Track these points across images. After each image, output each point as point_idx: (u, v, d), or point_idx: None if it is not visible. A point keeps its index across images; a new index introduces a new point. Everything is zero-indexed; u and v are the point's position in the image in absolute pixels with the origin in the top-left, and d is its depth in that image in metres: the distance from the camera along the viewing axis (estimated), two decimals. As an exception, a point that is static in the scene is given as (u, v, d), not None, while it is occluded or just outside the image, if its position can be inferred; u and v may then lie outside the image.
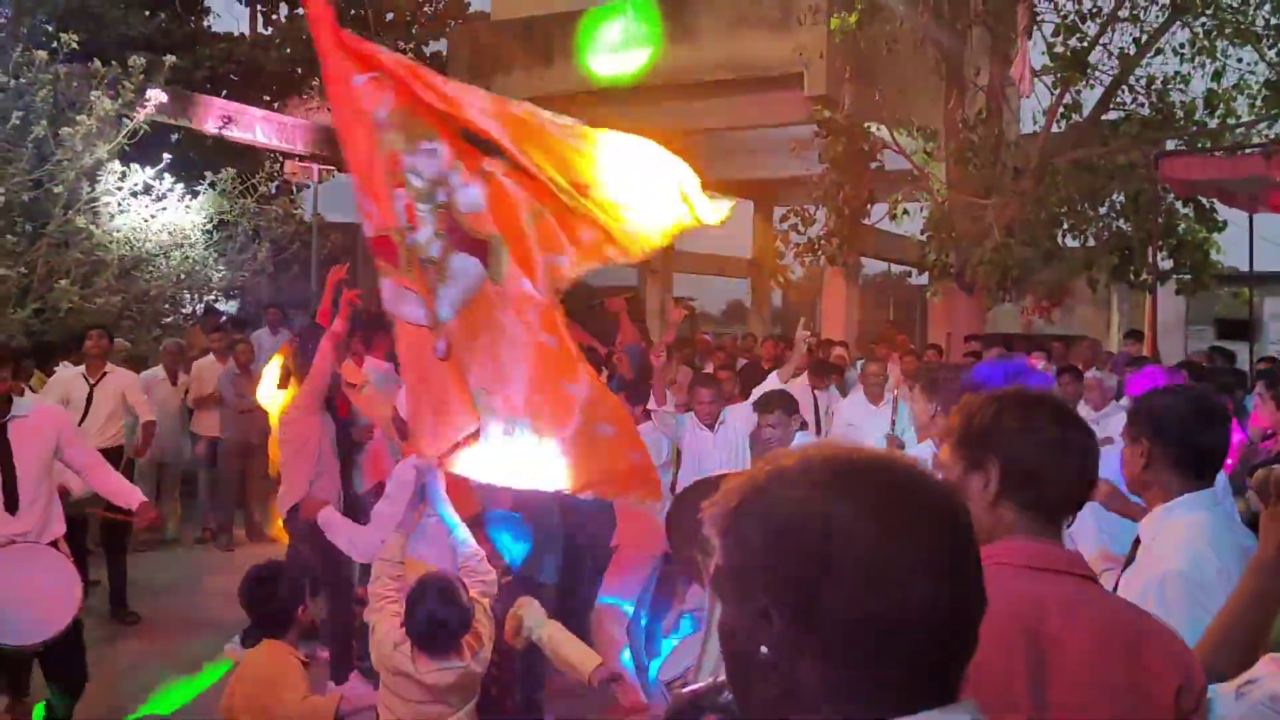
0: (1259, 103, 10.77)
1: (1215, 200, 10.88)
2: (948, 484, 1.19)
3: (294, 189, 13.31)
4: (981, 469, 1.66)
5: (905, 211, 11.89)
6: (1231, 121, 11.08)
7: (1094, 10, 10.98)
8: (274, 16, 17.64)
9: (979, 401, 1.72)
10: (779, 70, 11.67)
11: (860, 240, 12.12)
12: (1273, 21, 10.44)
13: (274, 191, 12.39)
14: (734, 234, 18.66)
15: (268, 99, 16.00)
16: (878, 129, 11.64)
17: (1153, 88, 11.05)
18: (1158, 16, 10.97)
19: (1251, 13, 10.55)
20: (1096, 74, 11.05)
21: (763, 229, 19.47)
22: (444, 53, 16.09)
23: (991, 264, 10.37)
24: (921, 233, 11.68)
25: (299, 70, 16.04)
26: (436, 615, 3.05)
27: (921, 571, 0.89)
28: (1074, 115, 11.42)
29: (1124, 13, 10.89)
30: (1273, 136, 9.90)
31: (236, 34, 17.03)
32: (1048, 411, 1.68)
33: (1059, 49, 10.61)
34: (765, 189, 18.80)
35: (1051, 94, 11.11)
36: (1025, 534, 1.61)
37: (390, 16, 17.66)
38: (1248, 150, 10.05)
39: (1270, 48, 10.62)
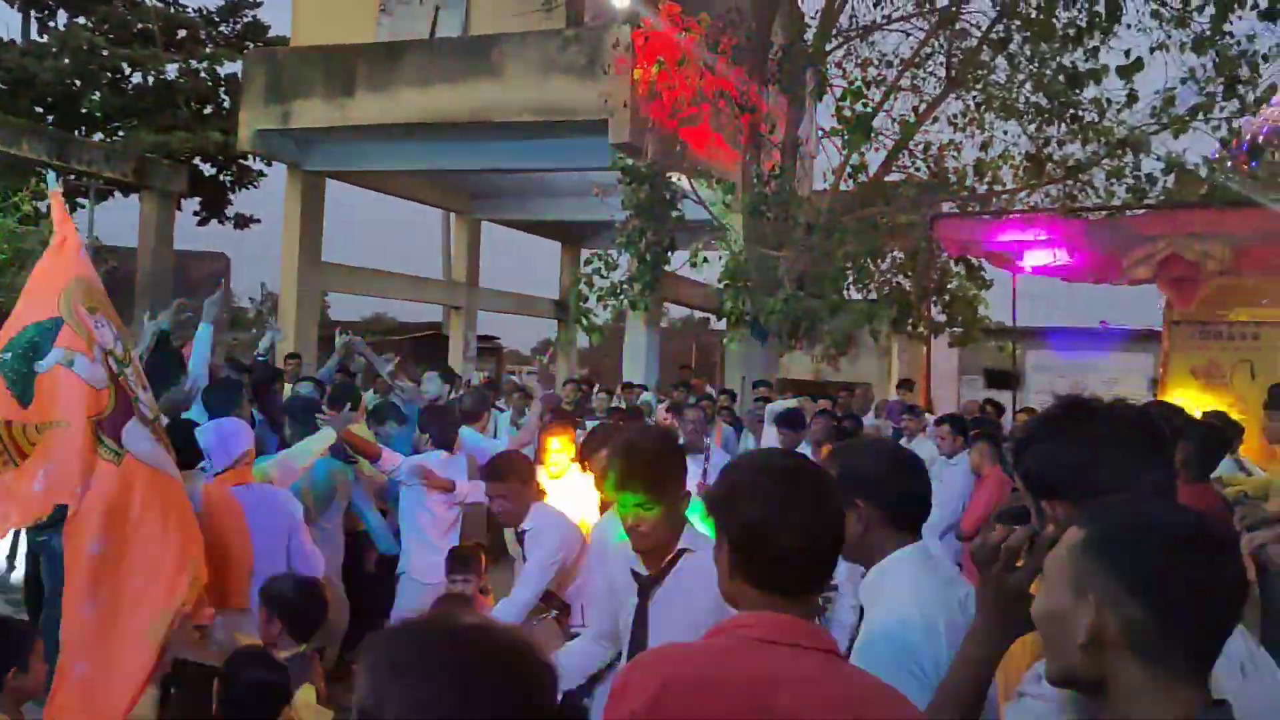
0: (1020, 173, 11.67)
1: (984, 260, 11.70)
2: (524, 640, 1.18)
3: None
4: (720, 538, 1.68)
5: (705, 260, 12.15)
6: (998, 188, 11.95)
7: (879, 79, 11.69)
8: (50, 24, 16.44)
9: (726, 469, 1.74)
10: (585, 116, 11.81)
11: (661, 286, 12.29)
12: (1033, 100, 11.36)
13: (44, 211, 11.47)
14: (542, 274, 18.68)
15: (40, 110, 14.87)
16: (679, 178, 11.92)
17: (929, 153, 11.74)
18: (935, 88, 11.83)
19: (1015, 90, 11.46)
20: (880, 138, 11.85)
21: (570, 270, 19.68)
22: (239, 74, 15.46)
23: (783, 313, 10.71)
24: (719, 281, 11.98)
25: (77, 83, 15.01)
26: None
27: None
28: (860, 175, 12.05)
29: (905, 82, 11.68)
30: (1031, 205, 10.67)
31: (5, 39, 15.75)
32: (777, 474, 1.66)
33: (846, 113, 11.14)
34: (573, 231, 19.06)
35: (840, 155, 11.77)
36: (766, 606, 1.60)
37: (182, 33, 16.81)
38: (1010, 215, 10.92)
39: (1030, 123, 11.52)
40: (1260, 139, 10.13)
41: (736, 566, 1.64)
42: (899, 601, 1.96)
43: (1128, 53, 9.46)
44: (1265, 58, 9.74)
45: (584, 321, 13.01)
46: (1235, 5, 8.82)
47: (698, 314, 19.37)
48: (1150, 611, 1.22)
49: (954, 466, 6.78)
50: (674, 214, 11.75)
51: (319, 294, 15.46)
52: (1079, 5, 10.05)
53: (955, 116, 12.04)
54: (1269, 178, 9.95)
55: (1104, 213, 10.58)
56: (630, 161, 11.67)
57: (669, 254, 12.10)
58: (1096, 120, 10.47)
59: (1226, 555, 1.27)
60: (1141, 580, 1.23)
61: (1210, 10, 9.09)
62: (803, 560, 1.62)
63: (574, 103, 11.90)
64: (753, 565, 1.62)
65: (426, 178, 15.44)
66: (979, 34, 11.48)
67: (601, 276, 12.07)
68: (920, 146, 12.14)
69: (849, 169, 11.89)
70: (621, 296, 12.22)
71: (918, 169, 12.03)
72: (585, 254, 14.72)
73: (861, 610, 2.10)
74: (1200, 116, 10.08)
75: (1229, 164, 10.14)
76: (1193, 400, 9.99)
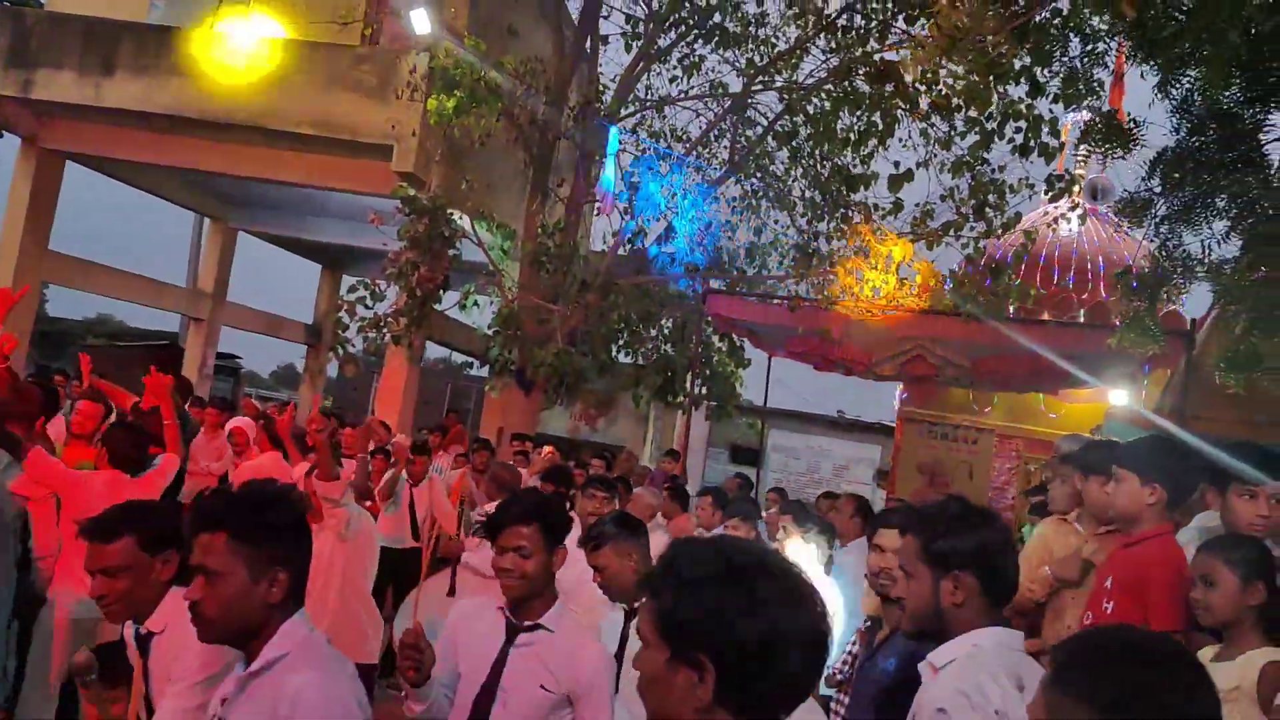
0: (788, 261, 12.20)
1: (746, 339, 12.10)
2: None
3: None
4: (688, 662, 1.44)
5: (476, 303, 11.99)
6: (766, 272, 12.43)
7: (668, 151, 11.95)
8: None
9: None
10: (369, 138, 11.35)
11: (428, 324, 11.86)
12: (807, 195, 11.96)
13: None
14: (297, 295, 17.68)
15: None
16: (460, 217, 11.66)
17: (709, 230, 12.09)
18: (717, 169, 12.22)
19: (791, 183, 12.03)
20: (664, 209, 11.87)
21: (328, 295, 18.73)
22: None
23: (552, 367, 10.61)
24: (489, 327, 11.78)
25: None
26: None
27: None
28: (639, 241, 12.22)
29: (691, 160, 12.00)
30: (796, 294, 11.16)
31: None
32: (772, 575, 1.45)
33: (635, 180, 11.37)
34: (337, 255, 18.17)
35: (622, 218, 11.85)
36: None
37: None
38: (776, 301, 11.36)
39: (802, 216, 12.10)
40: (998, 262, 11.00)
41: (724, 696, 1.40)
42: (1003, 692, 1.97)
43: (897, 164, 10.01)
44: (1012, 189, 10.54)
45: (340, 351, 12.30)
46: (995, 137, 9.54)
47: (456, 357, 18.86)
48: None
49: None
50: (451, 252, 11.44)
51: (39, 285, 13.87)
52: (860, 114, 10.54)
53: (733, 199, 12.44)
54: (1004, 297, 10.83)
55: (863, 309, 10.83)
56: (413, 192, 11.31)
57: (441, 292, 11.72)
58: (863, 222, 10.98)
59: None
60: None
61: (972, 138, 9.74)
62: (811, 677, 1.45)
63: (358, 122, 11.44)
64: (748, 693, 1.40)
65: (183, 176, 14.26)
66: (765, 123, 11.89)
67: (366, 306, 11.55)
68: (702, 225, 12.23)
69: (628, 235, 12.04)
70: (385, 330, 11.71)
71: (697, 243, 12.19)
72: (348, 280, 14.04)
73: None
74: (952, 233, 10.67)
75: (966, 280, 10.84)
76: (919, 495, 10.42)
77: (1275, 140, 4.27)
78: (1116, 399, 9.42)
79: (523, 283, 11.50)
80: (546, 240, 11.50)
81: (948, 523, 2.25)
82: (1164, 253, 4.61)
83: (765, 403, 11.78)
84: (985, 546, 2.22)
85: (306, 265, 19.22)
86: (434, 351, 19.97)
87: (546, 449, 8.99)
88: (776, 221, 12.50)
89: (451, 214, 11.61)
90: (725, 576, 1.42)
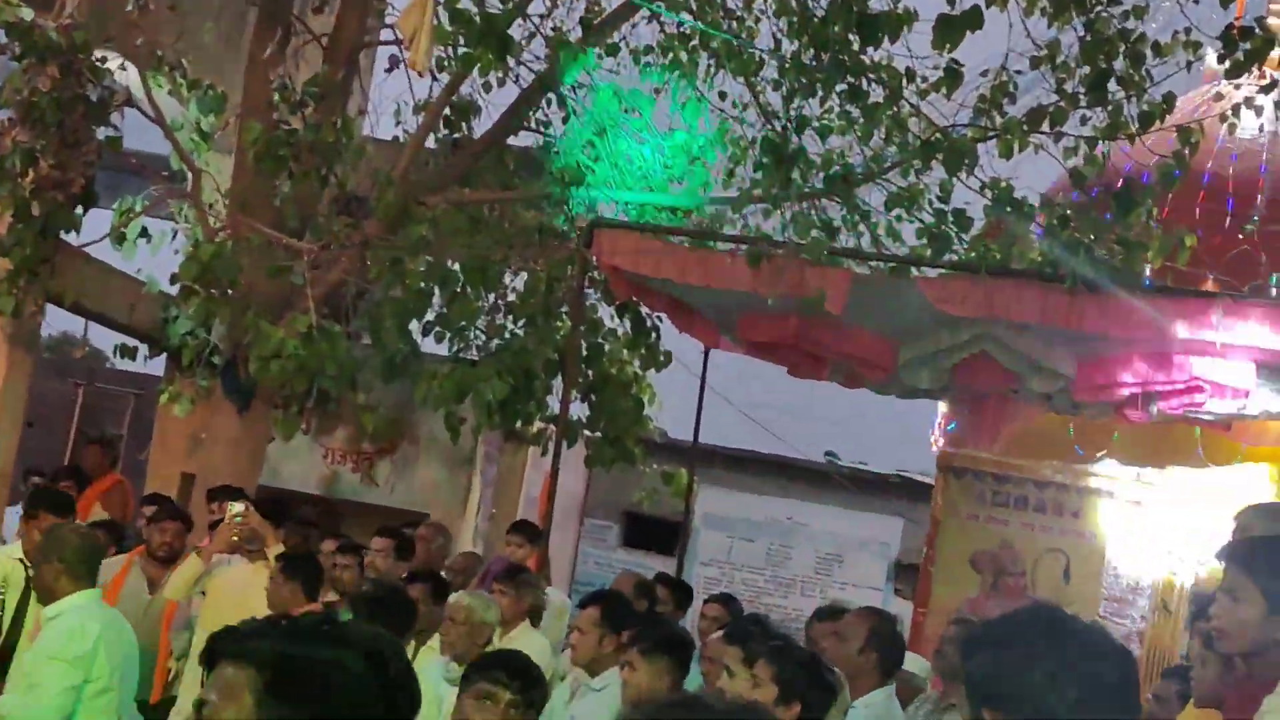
0: (748, 170, 11.83)
1: (664, 315, 11.55)
2: None
3: None
4: None
5: (145, 233, 11.41)
6: (703, 189, 12.10)
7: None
8: None
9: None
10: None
11: (51, 270, 11.29)
12: (785, 47, 11.42)
13: None
14: None
15: None
16: (122, 66, 11.35)
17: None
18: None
19: (753, 23, 11.80)
20: (515, 64, 11.74)
21: None
22: None
23: (294, 361, 10.09)
24: (172, 281, 11.31)
25: None
26: None
27: None
28: (464, 126, 12.18)
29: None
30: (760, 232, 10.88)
31: None
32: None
33: (464, 3, 10.94)
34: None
35: (434, 77, 11.66)
36: None
37: None
38: (724, 245, 10.83)
39: (775, 89, 11.66)
40: (1131, 182, 10.50)
41: None
42: None
43: (951, -1, 9.97)
44: (1159, 49, 10.08)
45: None
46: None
47: (95, 336, 17.53)
48: None
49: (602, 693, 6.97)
50: (101, 133, 11.16)
51: None
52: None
53: (646, 50, 12.01)
54: (1137, 248, 10.22)
55: (883, 264, 10.74)
56: (29, 15, 10.86)
57: (79, 211, 11.27)
58: (887, 102, 10.66)
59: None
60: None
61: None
62: None
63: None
64: None
65: None
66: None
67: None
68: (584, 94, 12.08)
69: (449, 111, 11.97)
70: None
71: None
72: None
73: None
74: (1048, 127, 10.28)
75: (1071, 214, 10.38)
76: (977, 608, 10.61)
77: None
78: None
79: (237, 197, 11.23)
80: (287, 115, 11.10)
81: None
82: None
83: (695, 437, 11.53)
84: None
85: None
86: (56, 323, 18.36)
87: (237, 506, 8.82)
88: (724, 97, 12.08)
89: (104, 60, 11.30)
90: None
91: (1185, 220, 10.94)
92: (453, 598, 7.62)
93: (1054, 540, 11.39)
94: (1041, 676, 2.63)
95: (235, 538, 8.39)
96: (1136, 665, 3.12)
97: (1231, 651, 4.21)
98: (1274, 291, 11.01)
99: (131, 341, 14.01)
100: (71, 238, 11.75)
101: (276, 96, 11.35)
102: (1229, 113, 10.65)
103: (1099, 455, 11.57)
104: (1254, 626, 4.04)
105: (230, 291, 10.91)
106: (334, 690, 2.18)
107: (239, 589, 8.25)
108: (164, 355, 12.75)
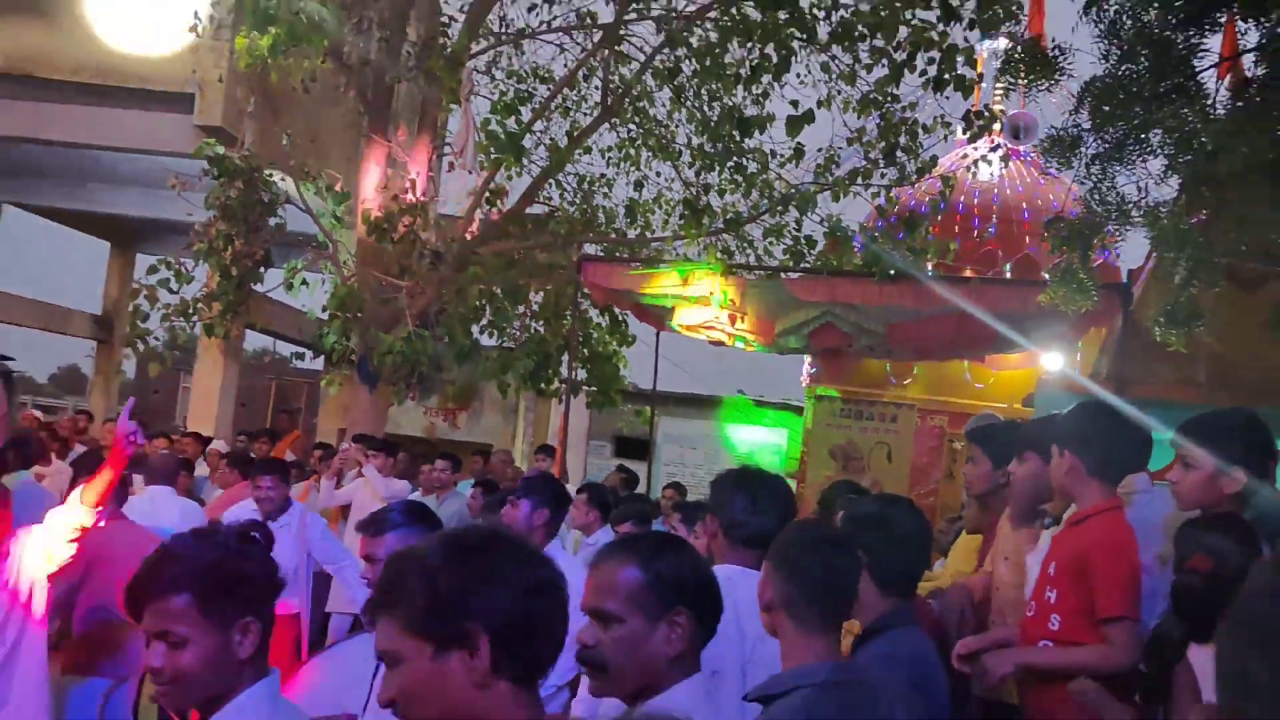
0: (676, 220, 12.29)
1: (629, 313, 12.06)
2: None
3: None
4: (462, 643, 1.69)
5: (304, 282, 11.62)
6: (649, 234, 12.58)
7: (529, 94, 11.86)
8: None
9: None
10: (164, 86, 10.97)
11: (247, 309, 11.70)
12: (694, 142, 12.03)
13: None
14: (82, 280, 16.98)
15: None
16: (282, 179, 11.42)
17: (582, 187, 12.36)
18: (588, 114, 12.20)
19: (675, 128, 12.10)
20: (529, 163, 12.05)
21: (121, 279, 18.03)
22: None
23: (401, 355, 10.41)
24: (323, 310, 11.54)
25: None
26: None
27: None
28: (498, 203, 12.11)
29: (557, 104, 11.95)
30: (685, 257, 11.21)
31: None
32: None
33: (494, 128, 11.02)
34: (130, 229, 17.47)
35: (477, 175, 11.66)
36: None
37: None
38: (662, 267, 11.42)
39: (690, 167, 12.25)
40: (913, 212, 11.25)
41: (499, 659, 1.72)
42: None
43: (795, 104, 10.12)
44: (926, 129, 10.79)
45: (140, 346, 11.96)
46: (904, 70, 9.76)
47: (280, 348, 18.50)
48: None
49: (593, 547, 6.76)
50: (272, 221, 11.31)
51: None
52: (751, 45, 10.56)
53: (608, 149, 12.56)
54: (920, 253, 11.08)
55: (762, 273, 11.13)
56: (221, 150, 11.06)
57: (261, 270, 11.60)
58: (759, 172, 11.13)
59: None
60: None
61: (880, 72, 9.98)
62: (563, 625, 1.83)
63: (150, 69, 11.05)
64: (520, 650, 1.73)
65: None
66: (642, 59, 11.92)
67: (170, 290, 11.33)
68: (571, 178, 12.61)
69: (488, 194, 11.92)
70: (194, 317, 11.53)
71: (568, 204, 12.22)
72: (145, 260, 13.54)
73: None
74: (860, 181, 10.88)
75: (878, 234, 11.06)
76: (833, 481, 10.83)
77: (1210, 67, 4.44)
78: (1049, 364, 9.65)
79: (361, 256, 11.32)
80: (390, 203, 11.23)
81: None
82: (1095, 196, 4.72)
83: (655, 386, 11.79)
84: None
85: (92, 244, 18.46)
86: (255, 341, 19.51)
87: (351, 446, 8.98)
88: (659, 174, 12.71)
89: (270, 175, 11.42)
90: (460, 554, 1.72)
91: (949, 234, 11.76)
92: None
93: (881, 437, 12.02)
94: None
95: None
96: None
97: (976, 494, 4.45)
98: (1007, 274, 11.97)
99: (301, 349, 14.93)
100: (259, 287, 12.01)
101: (379, 192, 11.33)
102: (972, 166, 11.37)
103: (905, 383, 12.31)
104: (983, 479, 4.34)
105: (359, 315, 11.03)
106: None
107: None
108: (322, 357, 12.53)
